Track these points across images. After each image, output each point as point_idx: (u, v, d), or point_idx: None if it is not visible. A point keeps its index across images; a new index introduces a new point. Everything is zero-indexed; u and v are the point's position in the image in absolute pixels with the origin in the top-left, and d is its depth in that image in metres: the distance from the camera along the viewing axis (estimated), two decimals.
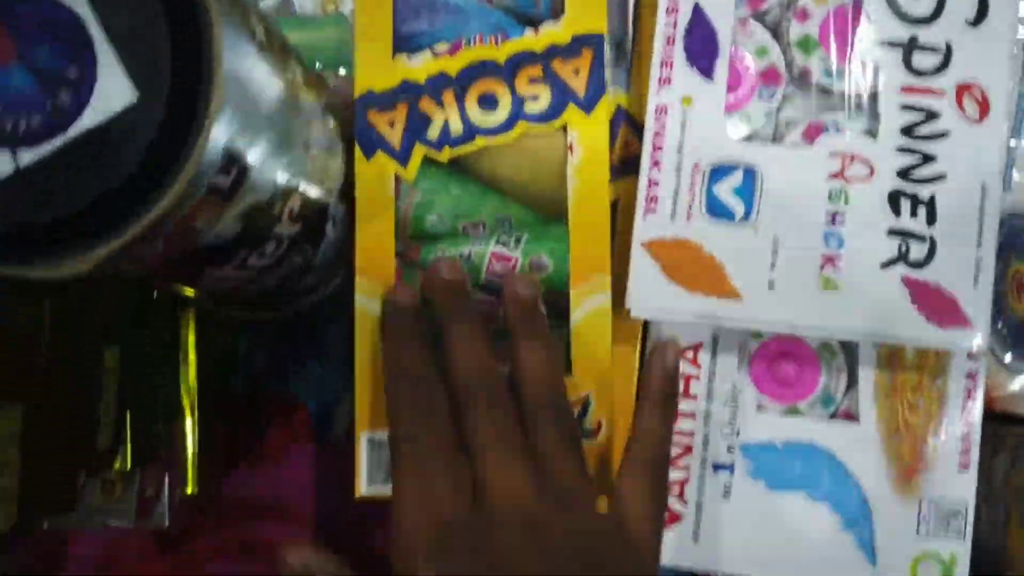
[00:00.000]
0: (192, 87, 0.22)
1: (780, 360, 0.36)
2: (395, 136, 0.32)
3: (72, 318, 0.35)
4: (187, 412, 0.49)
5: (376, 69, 0.32)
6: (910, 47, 0.34)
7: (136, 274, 0.26)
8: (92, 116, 0.22)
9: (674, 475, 0.36)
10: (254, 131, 0.24)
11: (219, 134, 0.22)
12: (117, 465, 0.41)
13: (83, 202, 0.22)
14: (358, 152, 0.32)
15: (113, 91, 0.22)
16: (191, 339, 0.49)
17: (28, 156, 0.22)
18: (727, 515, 0.36)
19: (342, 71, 0.40)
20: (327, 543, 0.54)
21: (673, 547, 0.36)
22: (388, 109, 0.32)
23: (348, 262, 0.34)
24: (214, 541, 0.55)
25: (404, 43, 0.33)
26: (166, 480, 0.47)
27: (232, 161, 0.23)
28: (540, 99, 0.32)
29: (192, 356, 0.49)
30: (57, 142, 0.22)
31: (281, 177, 0.27)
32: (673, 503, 0.36)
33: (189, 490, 0.49)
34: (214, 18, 0.22)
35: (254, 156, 0.24)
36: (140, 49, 0.22)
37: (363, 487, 0.33)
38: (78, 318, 0.36)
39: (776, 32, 0.35)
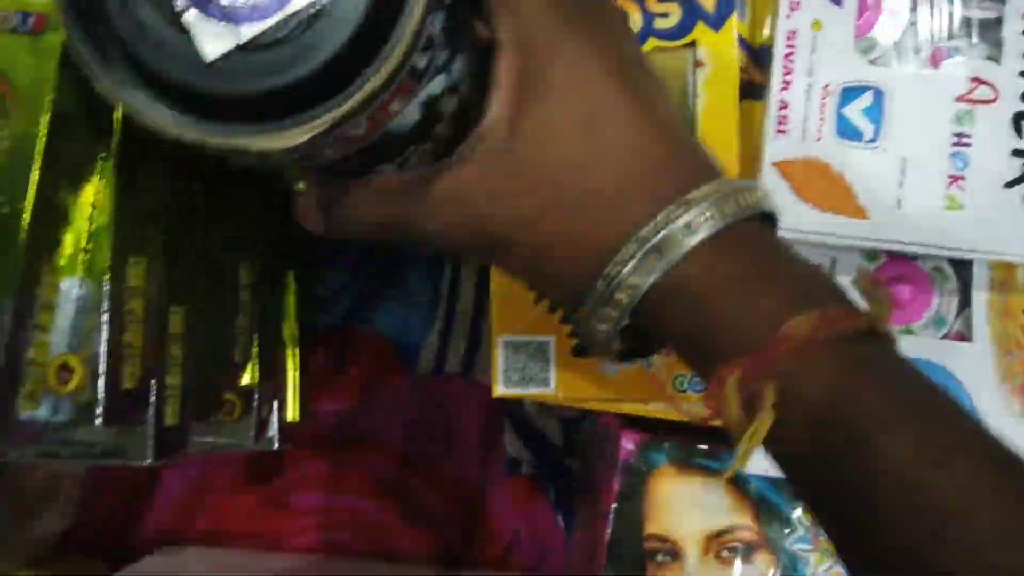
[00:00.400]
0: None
1: (895, 283, 0.38)
2: None
3: (218, 224, 0.36)
4: (290, 342, 0.50)
5: None
6: None
7: (323, 162, 0.27)
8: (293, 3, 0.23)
9: None
10: (435, 18, 0.25)
11: (419, 15, 0.23)
12: (245, 381, 0.43)
13: (300, 75, 0.23)
14: None
15: None
16: (294, 269, 0.50)
17: (248, 30, 0.23)
18: None
19: None
20: (409, 475, 0.56)
21: None
22: None
23: None
24: (301, 472, 0.57)
25: None
26: (275, 405, 0.49)
27: (428, 44, 0.25)
28: (671, 16, 0.33)
29: (294, 287, 0.50)
30: (276, 17, 0.23)
31: (451, 73, 0.28)
32: None
33: (290, 416, 0.50)
34: None
35: (438, 42, 0.26)
36: None
37: (500, 388, 0.34)
38: (222, 225, 0.37)
39: None
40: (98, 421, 0.29)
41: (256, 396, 0.44)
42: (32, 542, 0.54)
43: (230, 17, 0.23)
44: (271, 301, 0.47)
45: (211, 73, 0.23)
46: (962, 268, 0.37)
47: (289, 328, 0.50)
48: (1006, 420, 0.36)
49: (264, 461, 0.57)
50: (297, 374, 0.50)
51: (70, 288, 0.28)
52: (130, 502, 0.57)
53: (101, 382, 0.29)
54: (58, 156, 0.28)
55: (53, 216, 0.28)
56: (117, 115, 0.29)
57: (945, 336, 0.37)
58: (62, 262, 0.28)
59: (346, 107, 0.23)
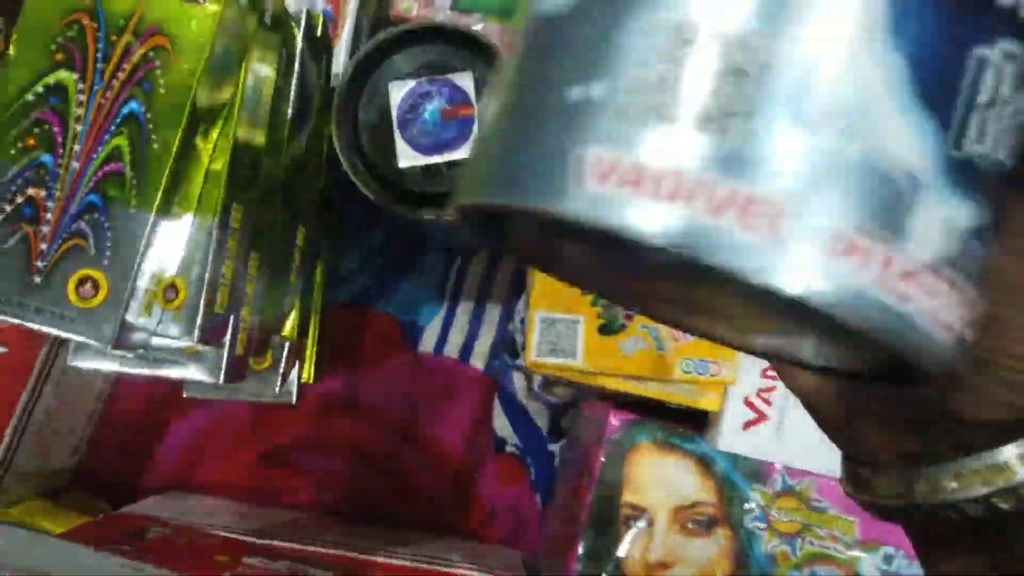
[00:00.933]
0: None
1: None
2: None
3: (289, 193, 0.42)
4: (315, 310, 0.55)
5: None
6: None
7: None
8: (458, 153, 0.42)
9: (764, 383, 0.44)
10: None
11: None
12: (286, 331, 0.48)
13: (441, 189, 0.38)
14: None
15: None
16: (327, 245, 0.56)
17: (426, 160, 0.39)
18: (802, 420, 0.44)
19: None
20: (402, 446, 0.61)
21: (760, 442, 0.44)
22: None
23: None
24: (301, 435, 0.62)
25: None
26: (296, 364, 0.54)
27: None
28: None
29: (323, 261, 0.56)
30: (446, 157, 0.42)
31: None
32: (761, 405, 0.44)
33: (305, 377, 0.55)
34: None
35: None
36: None
37: (533, 355, 0.40)
38: (292, 193, 0.42)
39: None
40: (197, 335, 0.34)
41: (286, 350, 0.49)
42: (45, 474, 0.58)
43: (420, 150, 0.41)
44: (311, 269, 0.52)
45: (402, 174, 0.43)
46: None
47: (317, 296, 0.55)
48: None
49: (266, 420, 0.61)
50: (316, 339, 0.55)
51: (187, 221, 0.34)
52: (137, 447, 0.60)
53: (202, 304, 0.34)
54: (198, 106, 0.33)
55: (188, 156, 0.33)
56: (241, 81, 0.35)
57: None
58: (186, 197, 0.34)
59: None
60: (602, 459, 0.49)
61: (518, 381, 0.61)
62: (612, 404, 0.49)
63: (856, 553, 0.47)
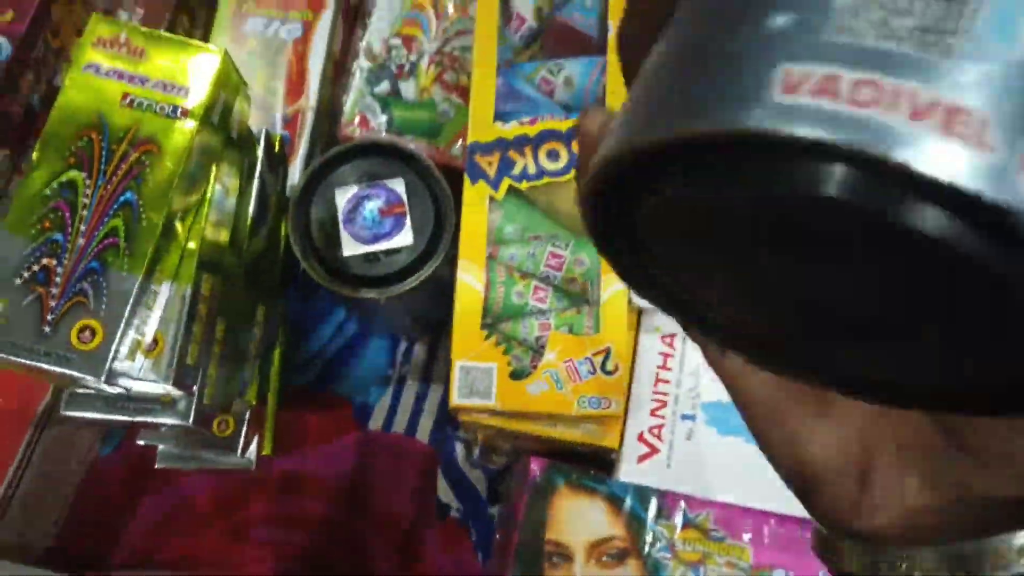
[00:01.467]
0: (436, 239, 0.49)
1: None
2: (491, 171, 0.50)
3: (250, 278, 0.51)
4: (274, 384, 0.63)
5: (482, 129, 0.50)
6: None
7: (394, 309, 0.49)
8: (393, 242, 0.48)
9: (653, 421, 0.52)
10: None
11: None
12: (250, 397, 0.55)
13: (388, 272, 0.47)
14: (466, 179, 0.50)
15: (406, 236, 0.47)
16: (284, 329, 0.64)
17: (366, 249, 0.49)
18: (690, 451, 0.52)
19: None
20: (354, 516, 0.67)
21: (652, 472, 0.52)
22: (488, 154, 0.50)
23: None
24: (260, 508, 0.68)
25: (500, 116, 0.51)
26: (256, 435, 0.61)
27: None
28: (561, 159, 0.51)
29: (284, 338, 0.64)
30: (383, 246, 0.50)
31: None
32: (653, 440, 0.52)
33: (266, 451, 0.62)
34: (450, 219, 0.49)
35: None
36: (420, 218, 0.50)
37: (455, 398, 0.48)
38: (254, 278, 0.51)
39: None
40: (172, 379, 0.42)
41: (247, 418, 0.57)
42: (17, 554, 0.63)
43: (361, 241, 0.50)
44: (269, 347, 0.60)
45: (343, 260, 0.51)
46: None
47: (274, 377, 0.63)
48: None
49: (228, 495, 0.67)
50: (274, 415, 0.63)
51: (167, 287, 0.42)
52: (109, 524, 0.66)
53: (176, 355, 0.42)
54: (177, 198, 0.43)
55: (169, 236, 0.42)
56: (210, 186, 0.44)
57: None
58: (166, 268, 0.42)
59: (403, 288, 0.50)
60: (526, 502, 0.56)
61: (459, 450, 0.68)
62: (535, 456, 0.56)
63: None
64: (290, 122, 0.62)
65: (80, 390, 0.43)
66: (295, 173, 0.60)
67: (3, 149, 0.59)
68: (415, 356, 0.72)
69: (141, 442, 0.53)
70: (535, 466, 0.55)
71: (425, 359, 0.71)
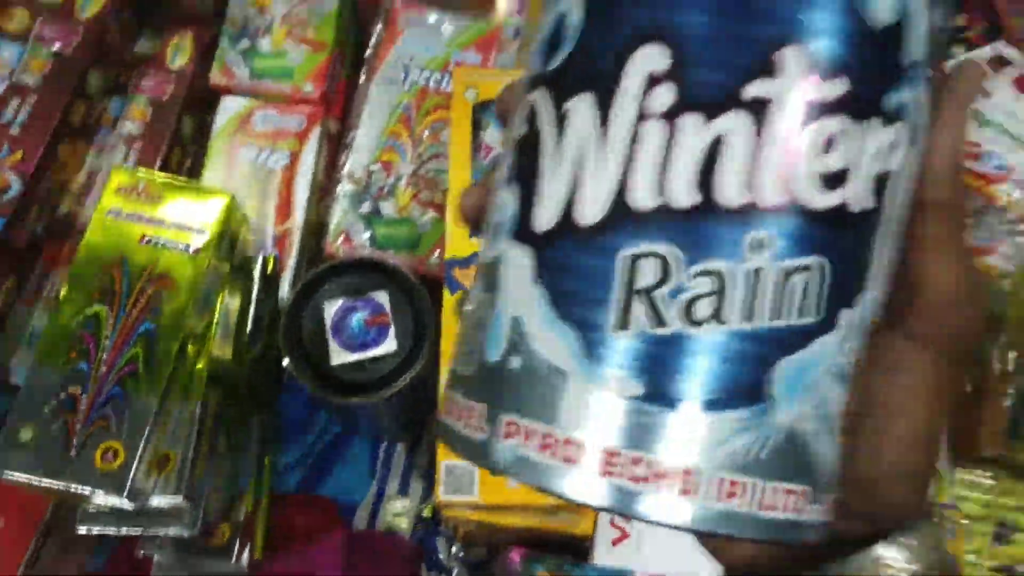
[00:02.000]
0: (418, 345, 0.52)
1: None
2: (468, 282, 0.56)
3: (248, 390, 0.55)
4: (266, 489, 0.66)
5: (459, 244, 0.56)
6: None
7: (377, 412, 0.52)
8: (378, 350, 0.50)
9: None
10: None
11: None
12: (247, 504, 0.58)
13: (374, 378, 0.48)
14: (445, 290, 0.55)
15: (390, 344, 0.51)
16: (276, 436, 0.68)
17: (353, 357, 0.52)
18: (657, 533, 0.56)
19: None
20: None
21: (625, 555, 0.56)
22: (465, 267, 0.56)
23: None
24: None
25: (476, 231, 0.57)
26: (248, 542, 0.64)
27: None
28: None
29: (269, 453, 0.67)
30: (368, 354, 0.52)
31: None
32: (624, 525, 0.56)
33: (257, 555, 0.65)
34: (428, 330, 0.53)
35: None
36: (403, 326, 0.54)
37: (441, 495, 0.52)
38: (251, 390, 0.56)
39: None
40: (184, 492, 0.46)
41: (242, 525, 0.60)
42: None
43: (348, 349, 0.54)
44: (262, 457, 0.64)
45: (332, 368, 0.54)
46: None
47: (266, 482, 0.66)
48: None
49: None
50: (265, 520, 0.66)
51: (176, 407, 0.47)
52: None
53: (187, 471, 0.46)
54: (189, 325, 0.47)
55: (181, 358, 0.47)
56: (216, 309, 0.49)
57: None
58: (177, 388, 0.47)
59: (388, 393, 0.53)
60: None
61: (440, 545, 0.72)
62: (515, 546, 0.60)
63: None
64: (280, 240, 0.67)
65: (92, 507, 0.47)
66: (284, 286, 0.65)
67: (10, 277, 0.63)
68: (395, 455, 0.75)
69: (141, 553, 0.56)
70: (515, 555, 0.59)
71: (405, 457, 0.75)
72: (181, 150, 0.73)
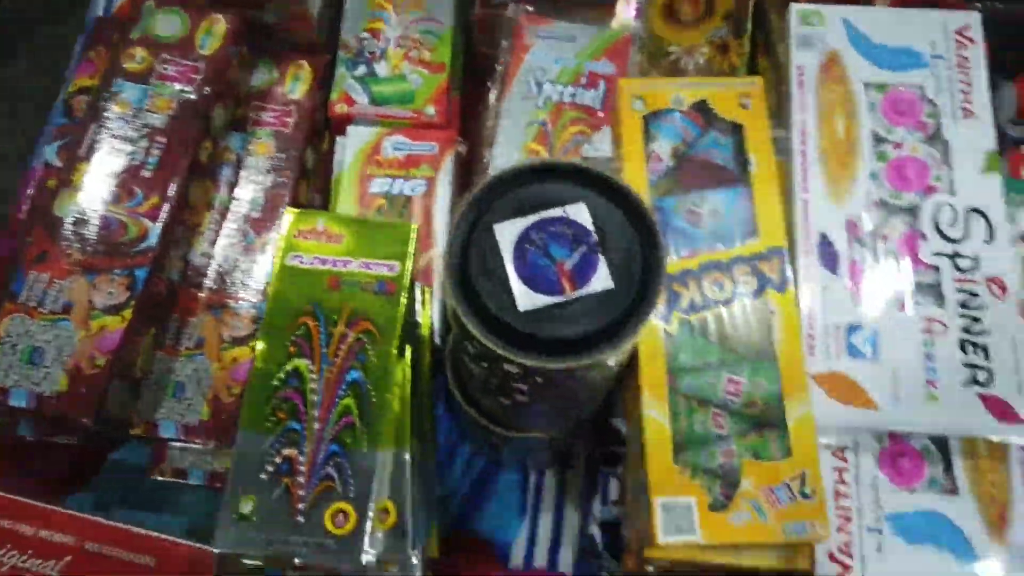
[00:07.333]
0: (649, 286, 0.41)
1: (898, 457, 0.54)
2: (660, 307, 0.51)
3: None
4: (435, 532, 0.62)
5: None
6: (953, 256, 0.56)
7: (571, 385, 0.44)
8: (589, 288, 0.41)
9: (840, 538, 0.52)
10: None
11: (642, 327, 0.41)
12: (432, 549, 0.55)
13: (576, 332, 0.40)
14: None
15: (602, 281, 0.41)
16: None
17: (553, 299, 0.40)
18: (882, 565, 0.52)
19: None
20: None
21: None
22: None
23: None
24: None
25: None
26: None
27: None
28: (750, 283, 0.52)
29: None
30: (573, 295, 0.41)
31: None
32: (843, 558, 0.52)
33: None
34: (663, 254, 0.42)
35: None
36: (622, 262, 0.41)
37: (661, 537, 0.48)
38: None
39: (871, 249, 0.56)
40: (411, 545, 0.42)
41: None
42: None
43: (538, 289, 0.41)
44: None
45: (518, 317, 0.40)
46: (941, 443, 0.54)
47: (434, 526, 0.63)
48: (989, 548, 0.52)
49: None
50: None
51: (385, 455, 0.43)
52: None
53: (409, 519, 0.42)
54: (394, 369, 0.44)
55: (387, 408, 0.43)
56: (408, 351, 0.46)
57: (940, 492, 0.53)
58: (387, 439, 0.43)
59: (603, 354, 0.40)
60: None
61: None
62: None
63: None
64: (425, 271, 0.64)
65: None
66: (435, 317, 0.61)
67: (151, 328, 0.60)
68: (546, 485, 0.71)
69: None
70: None
71: (557, 487, 0.71)
72: (307, 183, 0.70)
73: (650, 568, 0.61)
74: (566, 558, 0.69)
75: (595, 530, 0.69)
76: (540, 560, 0.69)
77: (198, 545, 0.49)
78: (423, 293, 0.58)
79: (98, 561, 0.48)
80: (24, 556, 0.48)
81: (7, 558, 0.47)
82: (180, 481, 0.61)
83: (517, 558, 0.69)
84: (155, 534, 0.49)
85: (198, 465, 0.62)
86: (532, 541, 0.70)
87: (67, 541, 0.48)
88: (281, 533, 0.38)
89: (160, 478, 0.61)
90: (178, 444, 0.60)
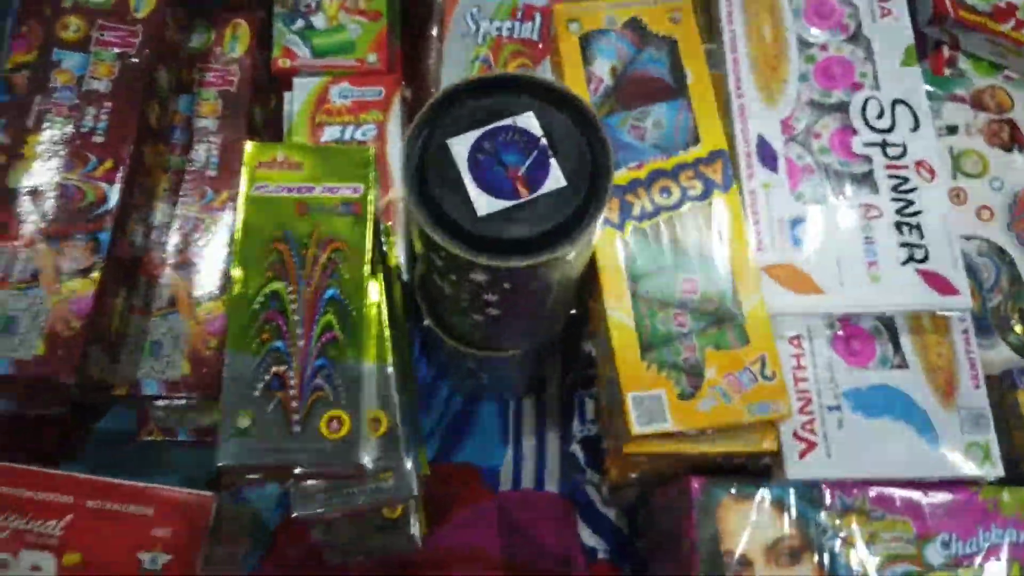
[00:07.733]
0: (599, 183, 0.44)
1: (850, 339, 0.58)
2: (615, 216, 0.54)
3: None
4: (423, 458, 0.64)
5: None
6: (883, 145, 0.59)
7: (536, 288, 0.46)
8: (543, 189, 0.43)
9: (803, 418, 0.56)
10: None
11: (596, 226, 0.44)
12: (424, 468, 0.57)
13: (535, 231, 0.43)
14: None
15: (555, 181, 0.43)
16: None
17: (510, 203, 0.43)
18: (844, 439, 0.55)
19: None
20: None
21: (814, 466, 0.55)
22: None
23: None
24: None
25: None
26: (414, 518, 0.61)
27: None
28: (695, 188, 0.55)
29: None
30: (529, 197, 0.43)
31: None
32: (808, 436, 0.55)
33: (424, 529, 0.63)
34: (610, 151, 0.44)
35: None
36: (572, 162, 0.44)
37: (635, 427, 0.50)
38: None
39: (806, 146, 0.59)
40: (404, 456, 0.44)
41: (413, 504, 0.57)
42: None
43: (495, 195, 0.43)
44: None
45: (479, 222, 0.43)
46: (888, 322, 0.58)
47: (423, 451, 0.65)
48: (942, 414, 0.56)
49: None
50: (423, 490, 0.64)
51: (370, 367, 0.45)
52: None
53: (399, 431, 0.44)
54: (368, 285, 0.45)
55: (367, 321, 0.45)
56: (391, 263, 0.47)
57: (891, 367, 0.57)
58: (370, 350, 0.45)
59: (555, 254, 0.43)
60: (695, 521, 0.58)
61: (592, 494, 0.70)
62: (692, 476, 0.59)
63: (918, 546, 0.57)
64: (384, 213, 0.65)
65: (304, 489, 0.45)
66: (401, 258, 0.63)
67: (120, 290, 0.61)
68: (525, 412, 0.74)
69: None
70: (696, 485, 0.58)
71: (535, 413, 0.74)
72: (259, 138, 0.70)
73: (632, 475, 0.64)
74: (552, 476, 0.72)
75: (576, 448, 0.72)
76: (528, 482, 0.72)
77: (195, 492, 0.50)
78: (387, 230, 0.60)
79: (99, 516, 0.49)
80: (26, 519, 0.49)
81: (10, 522, 0.48)
82: (169, 439, 0.62)
83: (506, 484, 0.72)
84: (152, 485, 0.50)
85: (183, 423, 0.63)
86: (518, 465, 0.73)
87: (67, 500, 0.49)
88: (280, 443, 0.40)
89: (149, 438, 0.62)
90: (162, 403, 0.61)
